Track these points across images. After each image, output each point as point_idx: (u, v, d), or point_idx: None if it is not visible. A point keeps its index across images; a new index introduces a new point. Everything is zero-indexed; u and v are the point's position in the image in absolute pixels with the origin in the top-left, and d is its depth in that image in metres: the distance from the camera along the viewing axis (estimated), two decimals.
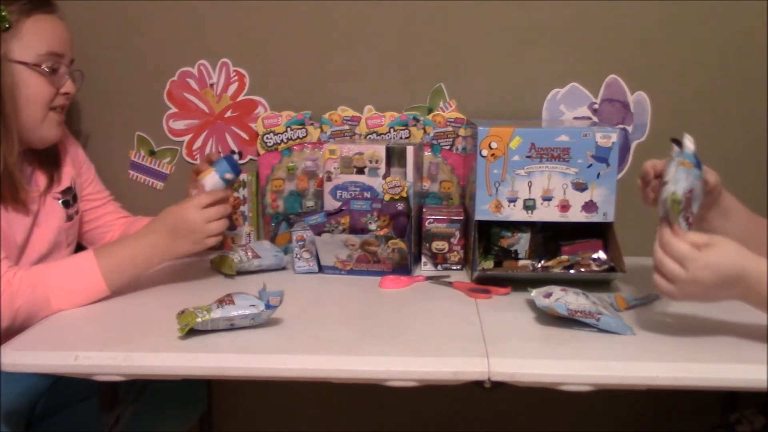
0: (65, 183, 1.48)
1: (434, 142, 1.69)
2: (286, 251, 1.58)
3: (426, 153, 1.69)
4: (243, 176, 1.71)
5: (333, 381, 1.11)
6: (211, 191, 1.41)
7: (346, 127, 1.69)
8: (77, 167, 1.54)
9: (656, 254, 1.09)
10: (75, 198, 1.50)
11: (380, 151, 1.54)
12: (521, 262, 1.48)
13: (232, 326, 1.17)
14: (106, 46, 1.71)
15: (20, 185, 1.35)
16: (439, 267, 1.53)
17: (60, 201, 1.46)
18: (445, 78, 1.69)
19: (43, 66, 1.35)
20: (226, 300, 1.18)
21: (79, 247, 1.56)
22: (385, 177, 1.54)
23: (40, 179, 1.44)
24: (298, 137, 1.70)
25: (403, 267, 1.48)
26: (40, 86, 1.36)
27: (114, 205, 1.63)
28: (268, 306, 1.18)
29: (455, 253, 1.52)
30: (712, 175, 1.22)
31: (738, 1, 1.61)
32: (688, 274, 1.05)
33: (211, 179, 1.43)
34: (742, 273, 1.06)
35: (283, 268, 1.55)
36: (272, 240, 1.70)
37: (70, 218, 1.48)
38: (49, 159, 1.46)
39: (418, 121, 1.68)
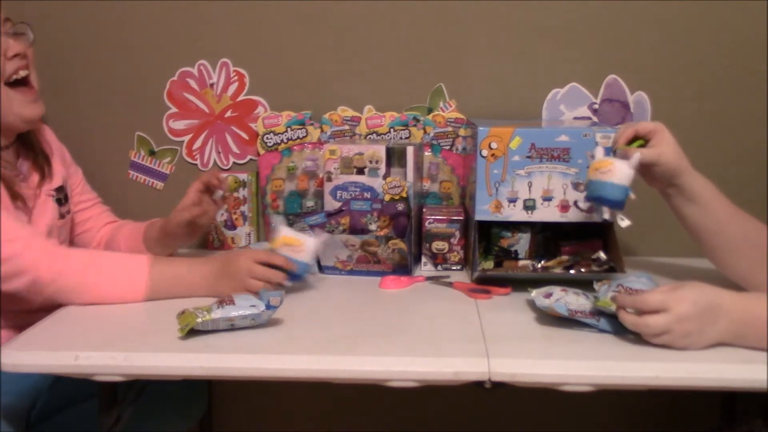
0: (57, 182, 1.48)
1: (434, 142, 1.69)
2: None
3: (426, 153, 1.69)
4: (243, 176, 1.72)
5: (333, 381, 1.11)
6: (276, 255, 1.34)
7: (346, 127, 1.69)
8: (67, 168, 1.54)
9: (632, 319, 1.09)
10: (66, 198, 1.50)
11: (380, 151, 1.54)
12: (521, 263, 1.48)
13: (232, 326, 1.17)
14: (106, 46, 1.71)
15: (12, 177, 1.35)
16: (439, 267, 1.53)
17: (54, 198, 1.46)
18: (445, 78, 1.69)
19: None
20: (226, 300, 1.18)
21: None
22: (385, 177, 1.54)
23: (33, 176, 1.44)
24: (298, 137, 1.70)
25: (403, 267, 1.48)
26: None
27: (101, 208, 1.62)
28: (268, 306, 1.18)
29: (455, 253, 1.52)
30: (651, 152, 1.23)
31: (738, 1, 1.61)
32: (671, 314, 1.06)
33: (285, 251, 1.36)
34: (719, 302, 1.08)
35: None
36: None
37: (62, 216, 1.48)
38: (39, 156, 1.46)
39: (418, 121, 1.68)
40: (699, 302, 1.07)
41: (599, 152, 1.29)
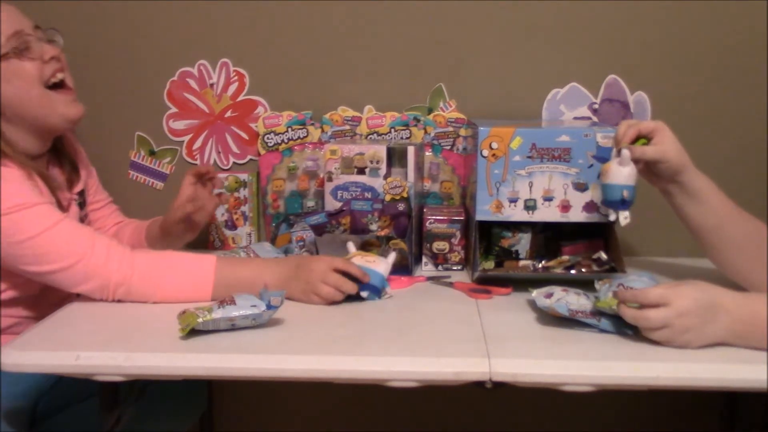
0: (80, 185, 1.50)
1: (435, 142, 1.69)
2: (286, 251, 1.58)
3: (427, 153, 1.69)
4: (243, 176, 1.72)
5: (333, 381, 1.11)
6: (352, 264, 1.33)
7: (347, 127, 1.69)
8: (85, 171, 1.55)
9: (632, 312, 1.10)
10: (85, 202, 1.51)
11: (381, 151, 1.54)
12: (522, 263, 1.48)
13: (233, 326, 1.17)
14: (106, 46, 1.71)
15: (53, 181, 1.37)
16: (439, 267, 1.53)
17: (77, 202, 1.48)
18: (445, 78, 1.69)
19: (11, 52, 1.30)
20: (227, 300, 1.18)
21: None
22: (386, 177, 1.54)
23: (64, 183, 1.45)
24: (298, 137, 1.70)
25: (404, 267, 1.48)
26: (23, 68, 1.31)
27: (111, 208, 1.63)
28: (269, 306, 1.18)
29: (456, 253, 1.52)
30: (655, 149, 1.24)
31: (738, 1, 1.61)
32: (672, 309, 1.06)
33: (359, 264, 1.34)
34: (720, 300, 1.08)
35: None
36: (272, 241, 1.70)
37: (81, 220, 1.48)
38: (68, 163, 1.47)
39: (418, 121, 1.68)
40: (700, 299, 1.07)
41: (624, 156, 1.28)
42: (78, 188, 1.48)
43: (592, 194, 1.41)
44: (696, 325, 1.07)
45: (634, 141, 1.26)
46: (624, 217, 1.30)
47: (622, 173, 1.27)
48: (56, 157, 1.46)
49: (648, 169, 1.28)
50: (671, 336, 1.08)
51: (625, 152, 1.25)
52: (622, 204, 1.29)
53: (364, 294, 1.33)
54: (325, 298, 1.29)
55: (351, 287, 1.30)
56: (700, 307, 1.07)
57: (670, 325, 1.07)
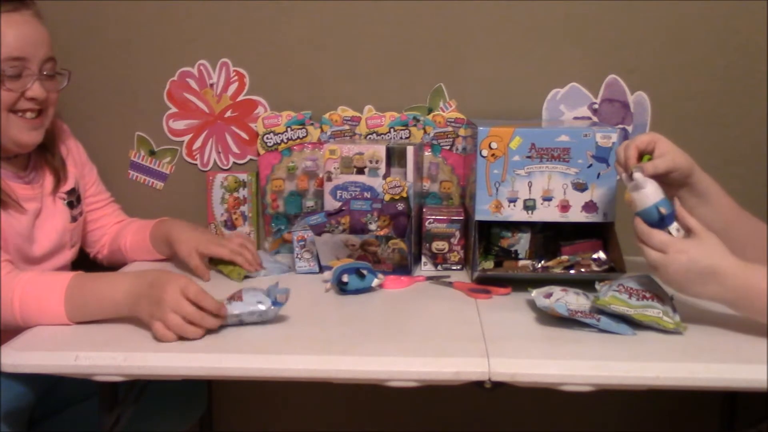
0: (70, 184, 1.48)
1: (434, 142, 1.69)
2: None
3: (426, 153, 1.69)
4: (243, 176, 1.72)
5: (333, 381, 1.11)
6: (207, 295, 1.16)
7: (347, 127, 1.69)
8: (80, 168, 1.54)
9: (641, 237, 1.17)
10: (78, 199, 1.50)
11: (380, 151, 1.54)
12: (521, 263, 1.48)
13: (240, 323, 1.18)
14: (106, 46, 1.71)
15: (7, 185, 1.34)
16: (439, 267, 1.53)
17: (65, 201, 1.46)
18: (445, 78, 1.69)
19: None
20: (234, 296, 1.19)
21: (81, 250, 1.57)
22: (385, 177, 1.54)
23: (47, 180, 1.44)
24: (298, 137, 1.70)
25: (404, 267, 1.48)
26: None
27: (113, 207, 1.63)
28: (275, 303, 1.19)
29: (455, 253, 1.52)
30: (664, 161, 1.21)
31: (738, 1, 1.61)
32: (665, 258, 1.12)
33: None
34: (717, 267, 1.11)
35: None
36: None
37: (74, 219, 1.48)
38: (54, 159, 1.46)
39: (418, 121, 1.68)
40: (696, 262, 1.11)
41: (638, 179, 1.21)
42: (66, 187, 1.47)
43: (592, 194, 1.41)
44: (681, 281, 1.13)
45: (639, 160, 1.22)
46: (676, 230, 1.21)
47: (646, 195, 1.20)
48: (42, 153, 1.44)
49: (660, 181, 1.24)
50: (662, 277, 1.15)
51: (637, 175, 1.19)
52: (663, 221, 1.21)
53: (345, 278, 1.36)
54: (172, 327, 1.12)
55: (206, 321, 1.14)
56: (691, 270, 1.11)
57: (661, 269, 1.13)
